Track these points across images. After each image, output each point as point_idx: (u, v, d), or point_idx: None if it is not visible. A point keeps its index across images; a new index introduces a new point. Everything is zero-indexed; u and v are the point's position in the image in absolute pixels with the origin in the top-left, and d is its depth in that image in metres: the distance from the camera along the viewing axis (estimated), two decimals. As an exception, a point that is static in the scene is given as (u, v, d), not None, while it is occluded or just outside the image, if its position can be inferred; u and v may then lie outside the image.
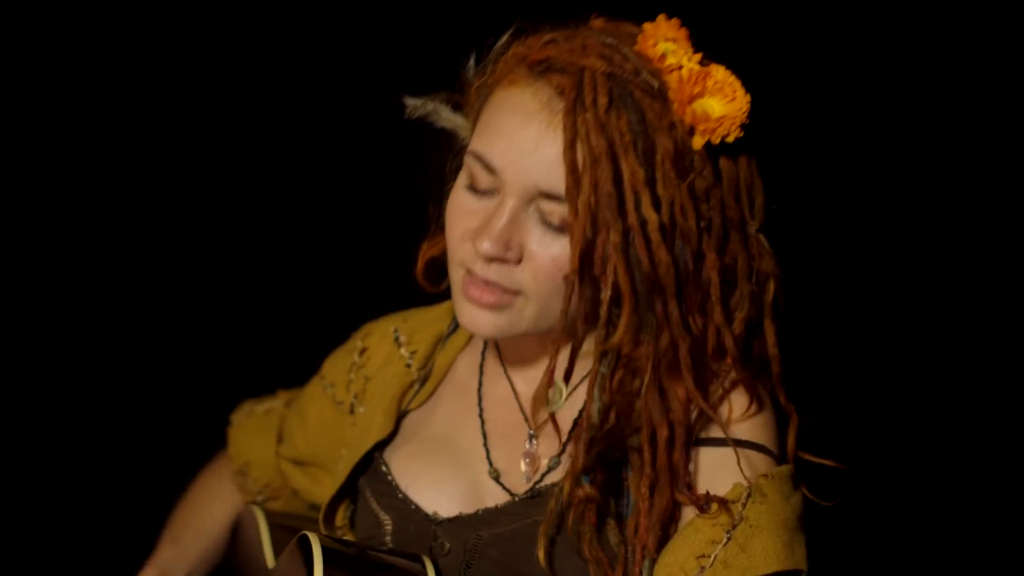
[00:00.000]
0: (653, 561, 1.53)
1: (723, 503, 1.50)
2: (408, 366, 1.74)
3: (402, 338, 1.77)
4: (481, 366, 1.72)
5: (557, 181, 1.47)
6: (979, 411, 2.44)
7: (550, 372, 1.52)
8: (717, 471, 1.54)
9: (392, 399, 1.72)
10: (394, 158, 1.86)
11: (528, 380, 1.67)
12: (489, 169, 1.51)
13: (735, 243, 1.53)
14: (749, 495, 1.52)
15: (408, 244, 1.71)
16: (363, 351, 1.80)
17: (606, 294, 1.48)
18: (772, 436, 1.58)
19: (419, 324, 1.77)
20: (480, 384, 1.71)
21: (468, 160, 1.54)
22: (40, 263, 2.52)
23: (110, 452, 2.55)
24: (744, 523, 1.51)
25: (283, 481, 1.90)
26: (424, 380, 1.74)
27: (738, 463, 1.53)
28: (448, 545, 1.63)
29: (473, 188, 1.54)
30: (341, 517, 1.75)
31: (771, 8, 2.34)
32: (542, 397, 1.54)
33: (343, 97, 2.47)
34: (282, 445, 1.88)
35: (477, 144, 1.53)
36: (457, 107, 1.61)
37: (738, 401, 1.56)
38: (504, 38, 1.58)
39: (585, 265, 1.48)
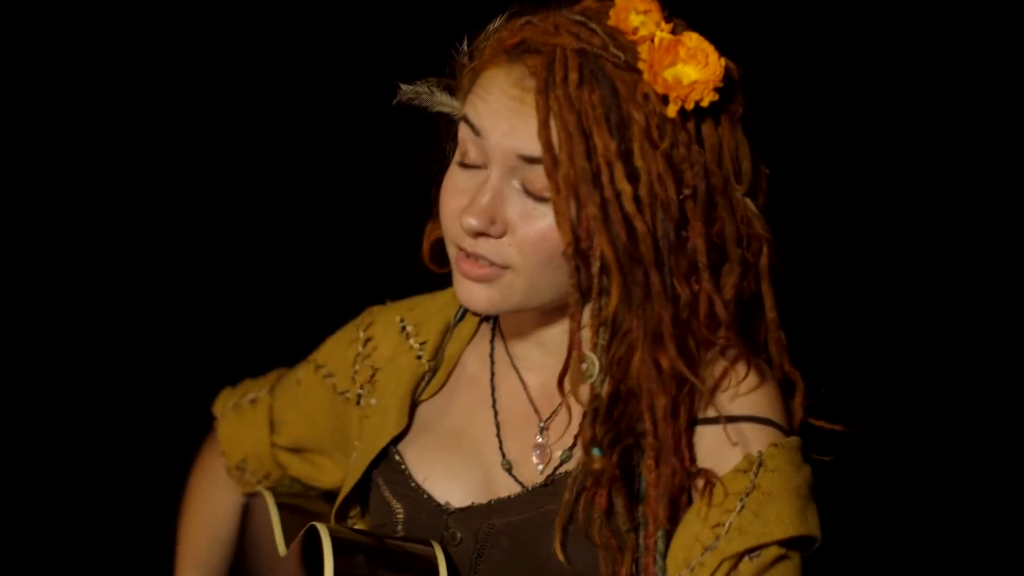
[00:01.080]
0: (667, 532, 1.53)
1: (710, 482, 1.52)
2: (419, 358, 1.76)
3: (409, 328, 1.78)
4: (491, 356, 1.74)
5: (536, 145, 1.50)
6: (986, 388, 2.41)
7: (577, 346, 1.53)
8: (723, 446, 1.55)
9: (405, 394, 1.74)
10: (392, 145, 1.89)
11: (534, 370, 1.69)
12: (475, 131, 1.54)
13: (722, 209, 1.53)
14: (760, 464, 1.53)
15: (395, 233, 1.75)
16: (367, 341, 1.80)
17: (595, 266, 1.51)
18: (778, 410, 1.59)
19: (425, 313, 1.79)
20: (492, 375, 1.73)
21: (460, 129, 1.58)
22: (37, 254, 2.54)
23: (101, 444, 2.56)
24: (757, 491, 1.52)
25: (282, 471, 1.91)
26: (435, 370, 1.76)
27: (745, 437, 1.54)
28: (460, 535, 1.65)
29: (464, 163, 1.58)
30: (354, 509, 1.78)
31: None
32: (577, 375, 1.53)
33: (339, 82, 2.49)
34: (276, 435, 1.89)
35: (466, 109, 1.57)
36: (452, 91, 1.64)
37: (741, 373, 1.57)
38: (497, 22, 1.61)
39: (576, 239, 1.50)
